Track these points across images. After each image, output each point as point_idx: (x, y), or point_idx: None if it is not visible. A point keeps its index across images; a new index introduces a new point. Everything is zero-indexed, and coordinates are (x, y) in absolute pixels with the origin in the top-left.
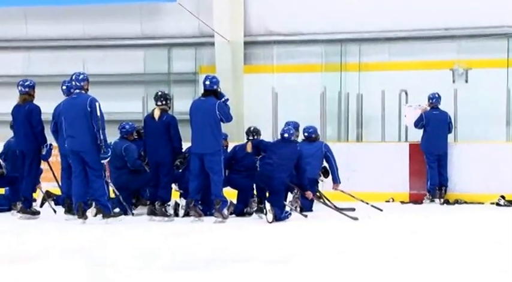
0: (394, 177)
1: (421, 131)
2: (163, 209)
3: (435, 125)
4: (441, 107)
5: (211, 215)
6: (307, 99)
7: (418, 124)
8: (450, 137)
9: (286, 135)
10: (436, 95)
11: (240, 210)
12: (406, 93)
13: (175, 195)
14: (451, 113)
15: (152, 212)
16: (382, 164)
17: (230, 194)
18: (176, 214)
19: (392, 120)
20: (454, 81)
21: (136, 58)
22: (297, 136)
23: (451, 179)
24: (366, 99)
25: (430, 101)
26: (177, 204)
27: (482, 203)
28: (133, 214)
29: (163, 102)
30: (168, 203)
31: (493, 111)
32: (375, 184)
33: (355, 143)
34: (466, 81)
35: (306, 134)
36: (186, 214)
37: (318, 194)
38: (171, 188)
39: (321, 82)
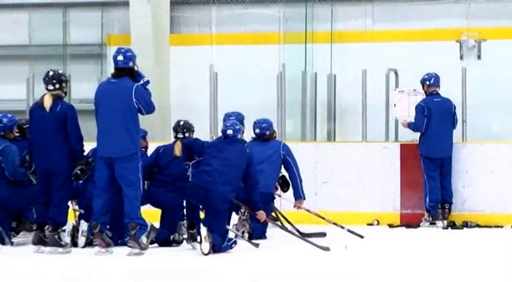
0: (379, 191)
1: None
2: (56, 236)
3: (437, 118)
4: (443, 91)
5: (124, 244)
6: (258, 82)
7: (421, 122)
8: (456, 134)
9: (230, 131)
10: (434, 75)
11: (164, 238)
12: (396, 74)
13: (74, 217)
14: (457, 101)
15: (40, 240)
16: (362, 172)
17: (151, 214)
18: (74, 243)
19: (377, 111)
20: (462, 57)
21: (18, 23)
22: (243, 132)
23: (458, 194)
24: (341, 82)
25: (427, 82)
26: (75, 230)
27: (501, 227)
28: (12, 243)
29: (57, 86)
30: (64, 228)
31: None
32: (353, 201)
33: (325, 143)
34: (479, 57)
35: (257, 130)
36: (89, 243)
37: (274, 214)
38: (68, 207)
39: (279, 58)
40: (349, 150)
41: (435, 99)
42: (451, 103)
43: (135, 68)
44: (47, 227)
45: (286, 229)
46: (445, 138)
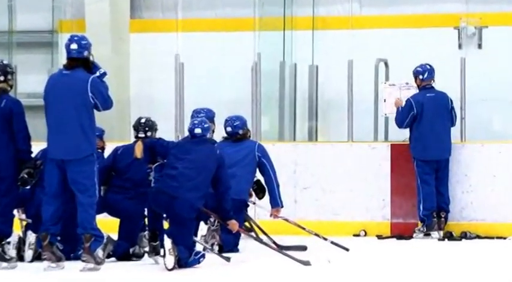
0: (367, 197)
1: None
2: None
3: (431, 115)
4: (439, 85)
5: (77, 258)
6: (230, 74)
7: (404, 119)
8: (454, 133)
9: (198, 130)
10: (428, 67)
11: (123, 251)
12: (386, 65)
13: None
14: (455, 96)
15: None
16: (348, 177)
17: (108, 224)
18: (20, 257)
19: (364, 107)
20: (460, 46)
21: None
22: (213, 132)
23: (456, 200)
24: (324, 73)
25: (420, 76)
26: (21, 242)
27: (504, 238)
28: None
29: (1, 78)
30: (8, 240)
31: None
32: (338, 209)
33: (306, 143)
34: (479, 46)
35: (229, 129)
36: (37, 257)
37: (247, 224)
38: (13, 216)
39: (253, 47)
40: (332, 152)
41: (428, 95)
42: (447, 97)
43: (91, 58)
44: None
45: (261, 241)
46: (442, 138)
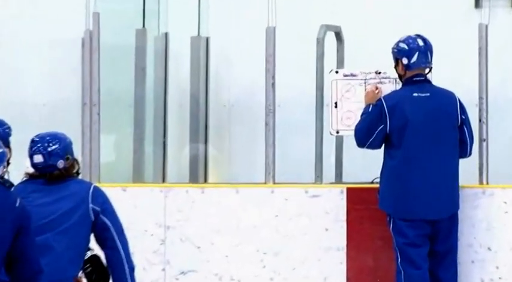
0: None
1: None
2: None
3: (423, 133)
4: (440, 77)
5: None
6: (42, 54)
7: (368, 132)
8: (466, 167)
9: None
10: (420, 43)
11: None
12: (339, 38)
13: None
14: (470, 97)
15: None
16: (266, 251)
17: None
18: None
19: (298, 116)
20: (478, 4)
21: None
22: (8, 163)
23: None
24: (222, 52)
25: (405, 59)
26: None
27: None
28: None
29: None
30: None
31: None
32: None
33: (186, 186)
34: None
35: (38, 158)
36: None
37: None
38: None
39: (86, 3)
40: (236, 204)
41: (417, 94)
42: (455, 100)
43: None
44: None
45: None
46: (441, 178)
